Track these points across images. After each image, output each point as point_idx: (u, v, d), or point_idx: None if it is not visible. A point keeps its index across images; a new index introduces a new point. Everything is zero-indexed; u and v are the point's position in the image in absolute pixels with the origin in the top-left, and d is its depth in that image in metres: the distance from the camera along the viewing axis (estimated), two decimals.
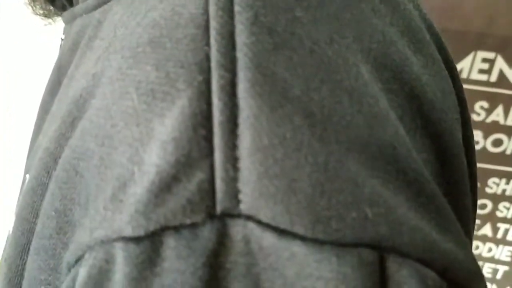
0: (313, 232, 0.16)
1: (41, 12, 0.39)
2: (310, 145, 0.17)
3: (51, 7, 0.40)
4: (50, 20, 0.41)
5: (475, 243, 0.94)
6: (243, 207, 0.17)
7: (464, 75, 0.82)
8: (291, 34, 0.19)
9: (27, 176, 0.35)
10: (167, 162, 0.17)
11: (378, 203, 0.17)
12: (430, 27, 0.27)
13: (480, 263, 0.93)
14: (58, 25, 0.42)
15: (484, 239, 0.93)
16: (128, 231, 0.17)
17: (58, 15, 0.41)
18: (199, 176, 0.17)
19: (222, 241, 0.17)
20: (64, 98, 0.30)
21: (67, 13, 0.38)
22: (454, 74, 0.28)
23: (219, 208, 0.17)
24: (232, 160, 0.17)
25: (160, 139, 0.18)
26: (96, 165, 0.19)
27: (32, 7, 0.39)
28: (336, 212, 0.17)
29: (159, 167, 0.17)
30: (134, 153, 0.18)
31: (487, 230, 0.93)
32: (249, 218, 0.17)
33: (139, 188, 0.17)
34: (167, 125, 0.18)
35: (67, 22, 0.39)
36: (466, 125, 0.27)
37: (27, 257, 0.25)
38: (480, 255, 0.95)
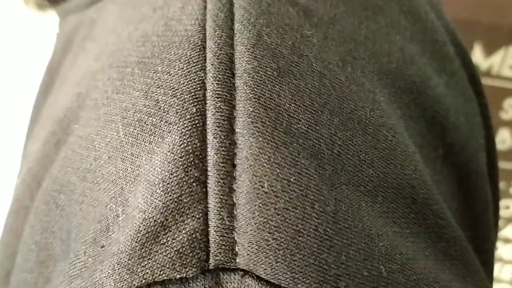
0: None
1: (34, 5, 0.37)
2: (317, 190, 0.15)
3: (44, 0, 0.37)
4: (43, 13, 0.39)
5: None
6: (240, 261, 0.15)
7: (494, 72, 0.78)
8: (299, 57, 0.17)
9: (19, 181, 0.33)
10: (155, 208, 0.15)
11: (394, 258, 0.15)
12: (453, 38, 0.24)
13: (499, 265, 0.91)
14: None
15: (506, 240, 0.91)
16: (110, 287, 0.15)
17: (51, 7, 0.39)
18: (191, 224, 0.15)
19: None
20: (53, 108, 0.28)
21: (61, 8, 0.35)
22: (479, 90, 0.25)
23: (212, 261, 0.15)
24: (228, 207, 0.15)
25: (148, 179, 0.15)
26: (78, 200, 0.17)
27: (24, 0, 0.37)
28: (345, 270, 0.15)
29: (146, 213, 0.15)
30: (118, 192, 0.16)
31: (509, 231, 0.90)
32: (246, 273, 0.15)
33: (123, 235, 0.15)
34: (156, 163, 0.16)
35: (61, 17, 0.36)
36: (490, 147, 0.25)
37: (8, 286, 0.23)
38: (501, 257, 0.92)
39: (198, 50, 0.17)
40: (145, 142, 0.16)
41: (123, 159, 0.16)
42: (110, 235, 0.16)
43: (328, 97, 0.17)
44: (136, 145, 0.16)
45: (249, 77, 0.16)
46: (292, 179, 0.15)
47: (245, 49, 0.16)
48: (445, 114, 0.20)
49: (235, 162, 0.15)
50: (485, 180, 0.22)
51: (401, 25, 0.21)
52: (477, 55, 0.79)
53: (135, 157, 0.16)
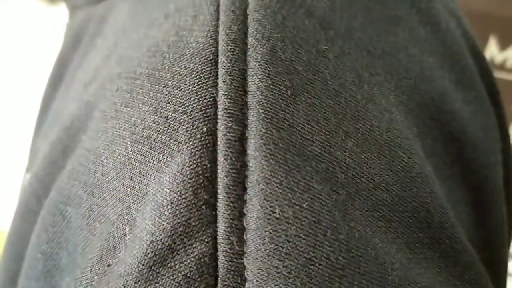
0: None
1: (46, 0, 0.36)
2: (330, 217, 0.15)
3: None
4: (53, 4, 0.38)
5: None
6: (249, 287, 0.14)
7: (508, 65, 0.77)
8: (314, 74, 0.16)
9: (27, 176, 0.33)
10: (163, 231, 0.15)
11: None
12: (472, 46, 0.24)
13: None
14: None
15: None
16: None
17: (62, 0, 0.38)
18: (199, 248, 0.15)
19: None
20: (62, 107, 0.28)
21: (71, 1, 0.35)
22: (496, 100, 0.25)
23: (221, 287, 0.15)
24: (238, 232, 0.15)
25: (156, 200, 0.15)
26: (85, 215, 0.17)
27: None
28: None
29: (154, 235, 0.15)
30: (125, 211, 0.16)
31: None
32: None
33: (130, 256, 0.15)
34: (164, 183, 0.15)
35: (71, 10, 0.36)
36: (507, 160, 0.24)
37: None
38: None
39: (209, 64, 0.16)
40: (153, 160, 0.16)
41: (131, 176, 0.16)
42: (116, 254, 0.15)
43: (343, 117, 0.16)
44: (145, 163, 0.16)
45: (262, 95, 0.15)
46: (304, 205, 0.15)
47: (259, 65, 0.16)
48: (462, 131, 0.20)
49: (246, 185, 0.15)
50: (501, 197, 0.22)
51: (420, 37, 0.20)
52: (492, 49, 0.77)
53: (143, 175, 0.16)
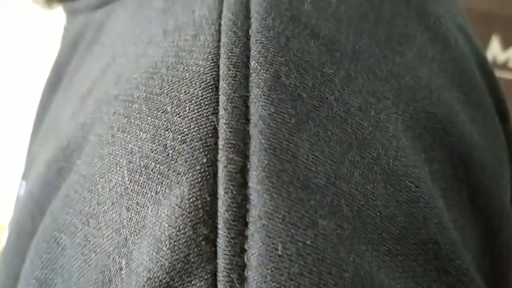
0: None
1: (43, 4, 0.35)
2: (335, 254, 0.14)
3: None
4: (49, 8, 0.38)
5: None
6: None
7: (511, 65, 0.76)
8: (319, 100, 0.16)
9: (23, 183, 0.33)
10: (161, 267, 0.14)
11: None
12: (481, 63, 0.23)
13: None
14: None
15: None
16: None
17: (59, 3, 0.37)
18: (198, 285, 0.14)
19: None
20: (57, 117, 0.27)
21: (69, 5, 0.34)
22: (504, 116, 0.24)
23: None
24: (239, 268, 0.14)
25: (154, 234, 0.14)
26: (80, 244, 0.16)
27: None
28: None
29: (151, 272, 0.14)
30: (122, 243, 0.15)
31: None
32: None
33: None
34: (162, 217, 0.14)
35: (68, 15, 0.35)
36: None
37: None
38: None
39: (210, 90, 0.16)
40: (151, 191, 0.15)
41: (128, 207, 0.15)
42: None
43: (349, 146, 0.15)
44: (142, 194, 0.15)
45: (264, 124, 0.15)
46: (308, 242, 0.14)
47: (261, 92, 0.15)
48: (471, 155, 0.19)
49: (247, 220, 0.14)
50: (510, 220, 0.21)
51: (429, 56, 0.19)
52: (495, 48, 0.76)
53: (140, 206, 0.15)
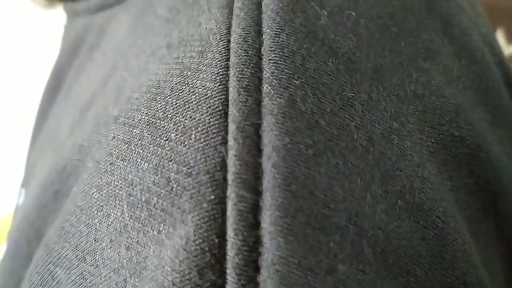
0: None
1: (41, 2, 0.34)
2: None
3: None
4: (50, 8, 0.36)
5: None
6: None
7: None
8: (339, 128, 0.14)
9: (23, 190, 0.31)
10: None
11: None
12: (507, 75, 0.21)
13: None
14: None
15: None
16: None
17: (59, 3, 0.36)
18: None
19: None
20: (57, 125, 0.26)
21: (69, 6, 0.33)
22: None
23: None
24: None
25: (156, 279, 0.13)
26: (76, 281, 0.15)
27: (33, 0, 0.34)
28: None
29: None
30: (121, 284, 0.14)
31: None
32: None
33: None
34: (165, 259, 0.13)
35: (69, 16, 0.34)
36: None
37: None
38: None
39: (218, 116, 0.14)
40: (153, 230, 0.14)
41: (128, 246, 0.14)
42: None
43: (372, 179, 0.14)
44: (143, 233, 0.14)
45: (278, 157, 0.13)
46: None
47: (275, 120, 0.14)
48: (498, 180, 0.18)
49: (259, 265, 0.13)
50: None
51: (454, 73, 0.18)
52: (499, 41, 0.75)
53: (141, 246, 0.14)
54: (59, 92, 0.32)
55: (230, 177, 0.13)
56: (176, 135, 0.14)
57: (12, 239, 0.22)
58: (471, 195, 0.17)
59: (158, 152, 0.14)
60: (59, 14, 0.37)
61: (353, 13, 0.17)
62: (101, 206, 0.15)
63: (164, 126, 0.15)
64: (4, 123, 0.84)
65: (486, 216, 0.17)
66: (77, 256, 0.15)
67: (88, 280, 0.15)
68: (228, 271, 0.13)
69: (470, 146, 0.17)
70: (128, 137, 0.15)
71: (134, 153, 0.15)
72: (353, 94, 0.15)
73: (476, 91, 0.18)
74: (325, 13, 0.16)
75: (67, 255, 0.15)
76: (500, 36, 0.74)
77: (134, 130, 0.15)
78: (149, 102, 0.16)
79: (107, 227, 0.14)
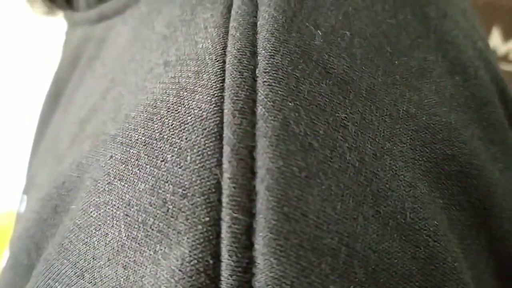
0: None
1: (41, 10, 0.34)
2: None
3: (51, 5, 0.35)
4: (50, 15, 0.37)
5: None
6: None
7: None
8: (332, 150, 0.14)
9: (24, 197, 0.32)
10: None
11: None
12: (502, 91, 0.22)
13: None
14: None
15: None
16: None
17: (60, 9, 0.36)
18: None
19: None
20: (58, 133, 0.26)
21: (69, 15, 0.33)
22: None
23: None
24: None
25: None
26: None
27: (31, 5, 0.34)
28: None
29: None
30: None
31: None
32: None
33: None
34: (161, 279, 0.13)
35: (69, 25, 0.34)
36: None
37: None
38: None
39: (213, 139, 0.14)
40: (149, 250, 0.14)
41: (125, 266, 0.14)
42: None
43: (364, 200, 0.14)
44: (140, 252, 0.14)
45: (272, 179, 0.14)
46: None
47: (269, 142, 0.14)
48: (491, 197, 0.18)
49: (252, 285, 0.13)
50: None
51: (447, 91, 0.18)
52: (495, 40, 0.74)
53: (138, 266, 0.14)
54: (60, 100, 0.32)
55: (224, 199, 0.14)
56: (172, 156, 0.15)
57: (13, 249, 0.23)
58: (463, 212, 0.17)
59: (155, 173, 0.15)
60: (60, 18, 0.37)
61: (347, 32, 0.17)
62: (99, 225, 0.15)
63: (160, 147, 0.15)
64: (4, 123, 0.84)
65: (478, 232, 0.18)
66: (75, 273, 0.15)
67: None
68: None
69: (462, 164, 0.17)
70: (125, 157, 0.16)
71: (131, 173, 0.15)
72: (346, 115, 0.15)
73: (469, 108, 0.19)
74: (320, 33, 0.17)
75: (66, 271, 0.16)
76: (496, 34, 0.74)
77: (131, 150, 0.16)
78: (146, 122, 0.16)
79: (105, 246, 0.15)
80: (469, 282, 0.16)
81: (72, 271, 0.16)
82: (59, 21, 0.37)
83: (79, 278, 0.15)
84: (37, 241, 0.20)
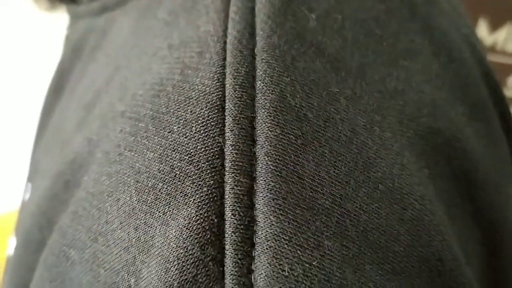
0: None
1: (45, 6, 0.36)
2: (341, 274, 0.14)
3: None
4: (52, 10, 0.38)
5: None
6: None
7: (498, 48, 0.75)
8: (325, 120, 0.16)
9: (29, 185, 0.33)
10: (169, 287, 0.14)
11: None
12: (486, 74, 0.23)
13: None
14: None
15: None
16: None
17: (63, 2, 0.37)
18: None
19: None
20: (61, 122, 0.27)
21: (72, 8, 0.34)
22: (509, 126, 0.24)
23: None
24: None
25: (162, 254, 0.15)
26: (89, 260, 0.17)
27: (35, 1, 0.35)
28: None
29: None
30: (131, 261, 0.15)
31: None
32: None
33: None
34: (170, 237, 0.15)
35: (72, 18, 0.35)
36: None
37: None
38: None
39: (216, 111, 0.16)
40: (159, 212, 0.15)
41: (136, 227, 0.15)
42: None
43: (355, 166, 0.16)
44: (150, 214, 0.15)
45: (270, 146, 0.15)
46: (314, 263, 0.14)
47: (267, 113, 0.15)
48: (474, 170, 0.19)
49: (254, 241, 0.14)
50: None
51: (433, 71, 0.19)
52: (482, 31, 0.76)
53: (148, 226, 0.15)
54: (63, 92, 0.33)
55: (227, 164, 0.15)
56: (178, 127, 0.16)
57: (22, 229, 0.24)
58: (448, 182, 0.18)
59: (162, 143, 0.16)
60: (61, 15, 0.38)
61: (339, 16, 0.18)
62: (111, 191, 0.16)
63: (167, 120, 0.16)
64: (4, 123, 0.85)
65: (462, 201, 0.19)
66: (89, 237, 0.17)
67: (100, 259, 0.16)
68: (226, 247, 0.14)
69: (447, 137, 0.18)
70: (134, 130, 0.17)
71: (140, 144, 0.16)
72: (338, 90, 0.16)
73: (454, 88, 0.20)
74: (314, 16, 0.18)
75: (80, 237, 0.17)
76: (482, 26, 0.75)
77: (140, 124, 0.17)
78: (153, 98, 0.17)
79: (117, 210, 0.16)
80: (453, 245, 0.17)
81: (86, 235, 0.17)
82: (58, 21, 0.39)
83: (93, 241, 0.17)
84: (49, 217, 0.21)
